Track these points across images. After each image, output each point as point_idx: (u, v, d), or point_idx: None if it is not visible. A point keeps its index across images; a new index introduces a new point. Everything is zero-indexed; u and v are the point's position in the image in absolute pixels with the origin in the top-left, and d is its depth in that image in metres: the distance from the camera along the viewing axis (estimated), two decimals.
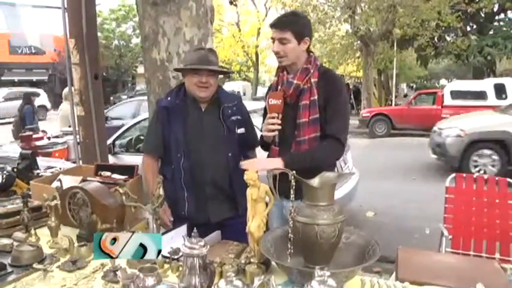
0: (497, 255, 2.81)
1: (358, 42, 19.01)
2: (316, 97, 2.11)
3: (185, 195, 2.38)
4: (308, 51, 2.21)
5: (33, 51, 27.94)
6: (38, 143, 5.48)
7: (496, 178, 3.07)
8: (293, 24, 2.12)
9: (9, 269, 1.76)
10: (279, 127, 2.11)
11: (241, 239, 1.96)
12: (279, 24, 2.14)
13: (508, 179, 3.04)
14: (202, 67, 2.31)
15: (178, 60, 2.99)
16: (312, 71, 2.14)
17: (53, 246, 2.00)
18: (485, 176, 3.11)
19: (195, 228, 1.55)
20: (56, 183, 2.53)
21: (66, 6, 3.65)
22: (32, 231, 2.10)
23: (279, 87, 2.22)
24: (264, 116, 2.39)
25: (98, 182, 2.43)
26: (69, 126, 6.09)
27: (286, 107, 2.14)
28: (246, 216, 2.18)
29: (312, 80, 2.13)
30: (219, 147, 2.37)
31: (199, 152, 2.36)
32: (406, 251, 1.96)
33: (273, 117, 2.11)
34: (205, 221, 2.30)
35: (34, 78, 27.84)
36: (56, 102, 22.28)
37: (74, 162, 4.15)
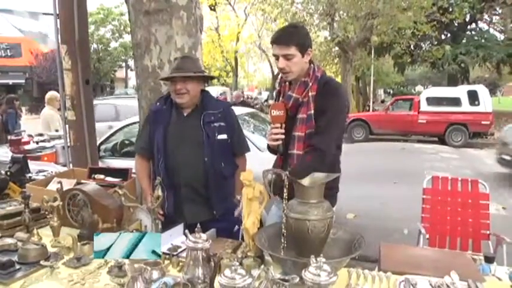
0: (469, 252, 3.02)
1: (336, 48, 19.36)
2: (312, 111, 2.14)
3: (165, 194, 2.45)
4: (309, 61, 2.22)
5: (9, 54, 27.39)
6: (26, 147, 5.48)
7: (469, 180, 3.29)
8: (296, 38, 2.13)
9: (17, 266, 1.85)
10: (283, 136, 2.14)
11: None
12: (282, 40, 2.13)
13: (480, 181, 3.26)
14: (173, 75, 2.42)
15: (169, 67, 3.09)
16: (310, 84, 2.17)
17: (56, 245, 2.08)
18: (460, 178, 3.33)
19: (198, 224, 1.67)
20: (53, 185, 2.62)
21: (58, 12, 3.73)
22: (34, 231, 2.19)
23: (281, 98, 2.28)
24: None
25: (95, 184, 2.53)
26: (56, 131, 6.10)
27: (288, 119, 2.19)
28: (224, 221, 2.36)
29: (310, 94, 2.16)
30: (196, 152, 2.46)
31: (176, 155, 2.47)
32: (388, 246, 2.13)
33: (276, 128, 2.15)
34: (183, 222, 2.34)
35: (10, 82, 27.23)
36: (33, 107, 21.83)
37: (64, 166, 4.20)
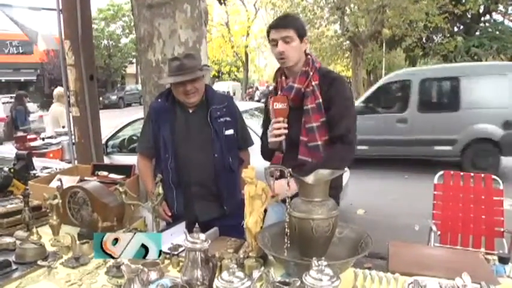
0: (482, 250, 2.92)
1: (347, 42, 19.17)
2: (320, 100, 2.08)
3: (174, 194, 2.44)
4: (305, 52, 2.19)
5: (21, 50, 27.63)
6: (32, 144, 5.49)
7: (482, 175, 3.18)
8: (294, 23, 2.12)
9: (14, 266, 1.81)
10: (286, 131, 2.07)
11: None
12: (281, 24, 2.12)
13: (493, 176, 3.16)
14: (182, 79, 2.31)
15: None
16: (311, 73, 2.12)
17: (55, 244, 2.04)
18: (472, 174, 3.22)
19: (196, 224, 1.61)
20: (55, 183, 2.58)
21: (61, 7, 3.69)
22: (34, 230, 2.15)
23: (279, 92, 2.20)
24: (265, 121, 2.39)
25: (97, 181, 2.49)
26: (63, 127, 6.11)
27: (289, 112, 2.13)
28: (233, 216, 2.27)
29: (313, 83, 2.11)
30: (205, 148, 2.41)
31: (186, 153, 2.41)
32: (397, 244, 2.05)
33: (279, 122, 2.08)
34: (194, 220, 2.25)
35: (22, 79, 27.50)
36: (44, 103, 22.00)
37: (69, 163, 4.18)
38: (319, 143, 2.09)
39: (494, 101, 7.56)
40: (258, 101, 22.56)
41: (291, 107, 2.13)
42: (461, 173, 3.23)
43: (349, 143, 2.07)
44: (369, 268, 1.79)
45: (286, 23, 2.11)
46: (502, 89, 7.51)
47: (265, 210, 1.88)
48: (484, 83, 7.73)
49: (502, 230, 2.98)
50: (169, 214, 2.47)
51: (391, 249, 1.96)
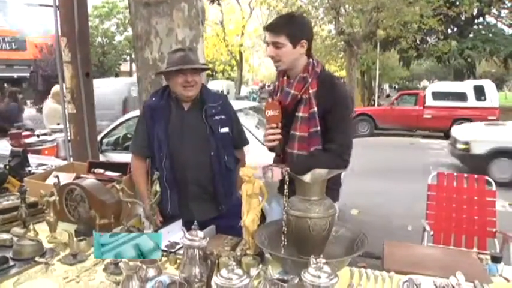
0: (475, 250, 2.96)
1: (342, 43, 19.21)
2: (315, 109, 2.05)
3: (168, 194, 2.39)
4: (308, 54, 2.14)
5: (14, 47, 27.35)
6: (27, 141, 5.45)
7: (475, 176, 3.22)
8: (287, 27, 2.06)
9: (12, 263, 1.81)
10: (279, 137, 2.07)
11: None
12: (272, 28, 2.10)
13: (486, 177, 3.20)
14: (187, 67, 2.30)
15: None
16: (310, 80, 2.08)
17: (52, 241, 2.05)
18: (465, 174, 3.26)
19: (195, 221, 1.62)
20: (51, 180, 2.57)
21: (58, 4, 3.67)
22: (31, 227, 2.15)
23: (279, 93, 2.18)
24: None
25: (94, 179, 2.48)
26: (58, 124, 6.07)
27: (286, 116, 2.11)
28: (230, 216, 2.24)
29: (311, 91, 2.07)
30: (201, 147, 2.38)
31: (181, 152, 2.38)
32: (392, 244, 2.08)
33: (272, 128, 2.08)
34: (190, 220, 2.29)
35: (15, 75, 27.23)
36: (38, 100, 21.79)
37: (65, 160, 4.16)
38: (295, 151, 2.10)
39: None
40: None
41: (288, 111, 2.12)
42: (455, 174, 3.27)
43: (342, 159, 2.06)
44: (363, 267, 1.81)
45: (277, 29, 2.07)
46: None
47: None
48: None
49: (494, 230, 3.02)
50: (161, 219, 2.38)
51: (386, 249, 1.99)
